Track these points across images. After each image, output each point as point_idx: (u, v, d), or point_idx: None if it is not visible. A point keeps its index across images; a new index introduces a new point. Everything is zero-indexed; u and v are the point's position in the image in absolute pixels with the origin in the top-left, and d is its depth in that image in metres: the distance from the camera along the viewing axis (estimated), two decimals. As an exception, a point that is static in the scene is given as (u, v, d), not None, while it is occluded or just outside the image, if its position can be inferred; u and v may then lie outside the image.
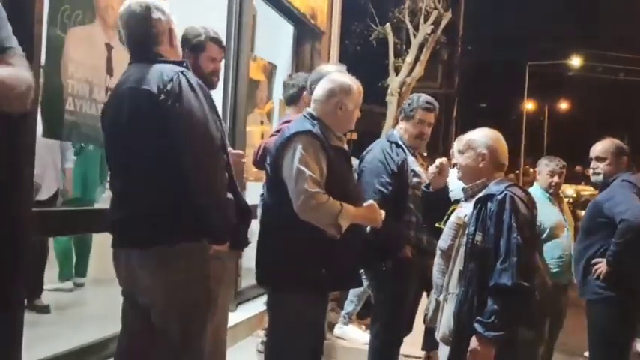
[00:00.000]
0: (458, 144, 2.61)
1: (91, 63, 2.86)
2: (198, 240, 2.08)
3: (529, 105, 30.46)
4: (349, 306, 4.27)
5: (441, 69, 22.34)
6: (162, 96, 1.97)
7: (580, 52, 26.49)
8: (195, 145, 2.02)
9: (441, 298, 2.52)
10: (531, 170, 25.12)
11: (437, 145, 17.30)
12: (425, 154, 3.43)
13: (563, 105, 34.35)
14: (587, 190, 17.62)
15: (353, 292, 4.23)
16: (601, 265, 3.23)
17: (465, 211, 2.49)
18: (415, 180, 3.17)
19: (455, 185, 2.85)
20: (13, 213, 2.17)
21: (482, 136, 2.53)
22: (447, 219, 2.60)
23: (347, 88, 2.53)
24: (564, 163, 4.03)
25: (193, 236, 2.06)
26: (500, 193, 2.33)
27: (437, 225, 2.65)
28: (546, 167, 3.98)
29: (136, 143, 2.05)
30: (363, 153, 3.36)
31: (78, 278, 4.68)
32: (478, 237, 2.32)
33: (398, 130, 3.35)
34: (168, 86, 1.98)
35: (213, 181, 2.06)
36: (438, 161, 2.84)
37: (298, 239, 2.41)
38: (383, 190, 3.06)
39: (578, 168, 16.96)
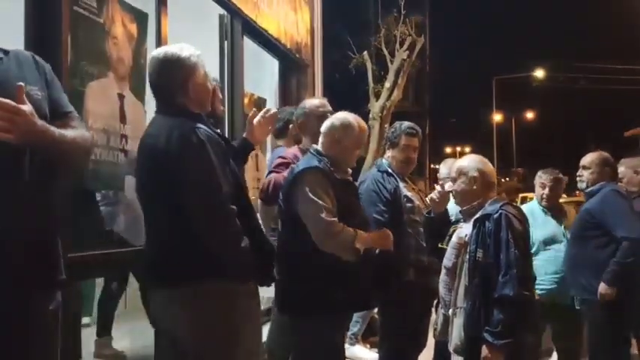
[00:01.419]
0: (445, 168, 2.88)
1: (107, 113, 3.04)
2: (220, 280, 2.13)
3: (498, 117, 31.28)
4: (354, 327, 4.46)
5: (411, 88, 22.95)
6: (171, 151, 2.09)
7: (543, 64, 27.45)
8: (199, 198, 2.11)
9: (450, 312, 2.74)
10: (503, 180, 25.68)
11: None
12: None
13: (530, 115, 35.34)
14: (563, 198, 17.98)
15: (357, 314, 4.42)
16: (606, 291, 3.33)
17: (465, 230, 2.73)
18: (409, 205, 3.35)
19: (452, 209, 3.11)
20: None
21: (470, 161, 2.81)
22: (449, 239, 2.84)
23: (347, 126, 2.78)
24: (558, 174, 4.00)
25: (215, 277, 2.12)
26: (496, 212, 2.58)
27: (440, 245, 2.89)
28: (539, 179, 4.01)
29: (154, 192, 2.19)
30: (357, 184, 3.55)
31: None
32: (479, 254, 2.56)
33: (386, 158, 3.54)
34: (177, 142, 2.10)
35: (220, 231, 2.12)
36: (438, 189, 3.08)
37: (315, 267, 2.63)
38: (379, 217, 3.20)
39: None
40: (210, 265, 2.11)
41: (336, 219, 2.63)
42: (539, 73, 27.61)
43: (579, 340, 3.73)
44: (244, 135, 2.76)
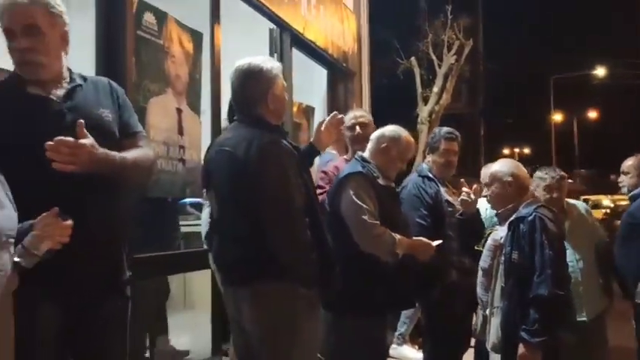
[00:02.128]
0: (484, 178, 2.97)
1: (166, 126, 3.32)
2: (286, 284, 2.24)
3: (557, 117, 30.41)
4: (402, 327, 4.59)
5: (464, 89, 22.69)
6: (249, 162, 2.24)
7: (604, 62, 26.52)
8: (273, 208, 2.23)
9: (487, 312, 2.85)
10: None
11: (466, 164, 17.54)
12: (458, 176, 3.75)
13: (592, 114, 34.12)
14: (624, 200, 17.24)
15: (405, 314, 4.54)
16: None
17: (500, 233, 2.84)
18: (450, 209, 3.41)
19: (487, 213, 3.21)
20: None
21: (503, 166, 2.90)
22: (485, 242, 2.95)
23: (395, 138, 2.96)
24: (562, 173, 3.56)
25: (281, 280, 2.24)
26: (530, 214, 2.66)
27: (476, 247, 3.00)
28: (542, 182, 3.51)
29: (231, 198, 2.35)
30: (398, 189, 3.56)
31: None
32: (515, 255, 2.65)
33: (426, 163, 3.62)
34: (256, 153, 2.22)
35: (291, 241, 2.24)
36: (465, 191, 3.19)
37: (358, 267, 2.78)
38: (422, 222, 3.28)
39: (613, 177, 16.84)
40: (278, 269, 2.22)
41: (378, 222, 2.79)
42: (600, 71, 26.70)
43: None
44: (311, 140, 2.85)
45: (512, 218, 2.72)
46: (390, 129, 3.04)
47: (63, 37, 1.94)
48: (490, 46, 22.92)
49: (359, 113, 3.73)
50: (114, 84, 2.09)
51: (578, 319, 3.22)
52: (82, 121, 1.78)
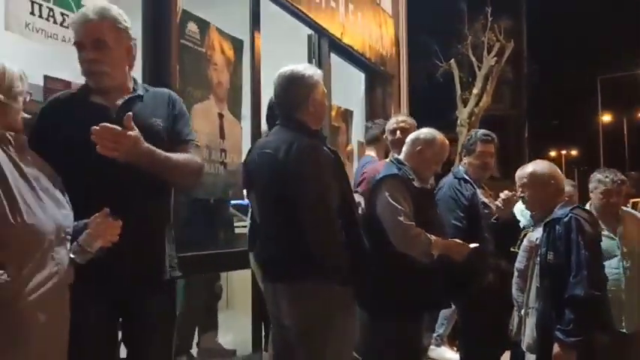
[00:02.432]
0: (519, 179, 2.93)
1: (209, 131, 3.46)
2: (322, 280, 2.32)
3: (605, 117, 29.53)
4: (440, 328, 4.60)
5: (508, 91, 22.34)
6: (289, 163, 2.35)
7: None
8: (310, 208, 2.32)
9: (523, 313, 2.86)
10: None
11: (509, 167, 17.24)
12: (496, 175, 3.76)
13: (643, 115, 32.94)
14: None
15: (442, 315, 4.55)
16: None
17: (535, 234, 2.85)
18: (486, 211, 3.43)
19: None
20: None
21: (541, 167, 2.90)
22: (520, 243, 2.96)
23: (430, 140, 3.02)
24: (623, 177, 3.37)
25: (318, 277, 2.32)
26: (566, 215, 2.66)
27: (511, 249, 3.01)
28: (601, 185, 3.34)
29: (271, 198, 2.47)
30: (435, 191, 3.57)
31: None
32: (550, 256, 2.66)
33: (462, 165, 3.64)
34: (295, 155, 2.34)
35: (327, 241, 2.32)
36: (503, 195, 3.20)
37: (394, 268, 2.84)
38: (458, 224, 3.29)
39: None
40: (314, 268, 2.31)
41: (413, 223, 2.85)
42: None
43: None
44: None
45: (548, 219, 2.73)
46: (424, 132, 3.09)
47: (128, 51, 2.10)
48: (534, 46, 22.49)
49: (401, 118, 3.81)
50: (174, 95, 2.23)
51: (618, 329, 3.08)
52: (130, 113, 1.89)
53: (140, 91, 2.13)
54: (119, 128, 1.83)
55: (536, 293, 2.74)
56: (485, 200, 3.48)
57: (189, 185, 2.11)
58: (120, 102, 2.06)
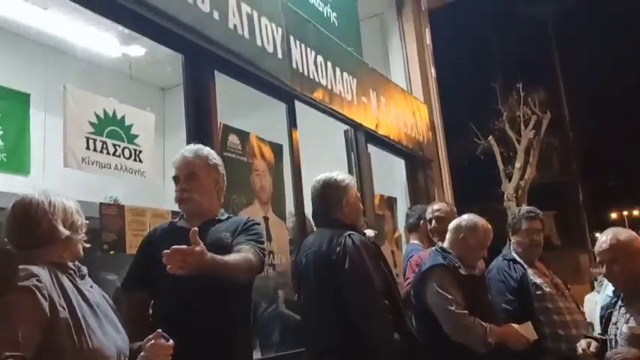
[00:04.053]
0: (601, 255, 2.58)
1: (256, 234, 3.57)
2: None
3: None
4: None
5: (555, 158, 22.02)
6: (334, 257, 2.53)
7: None
8: (356, 290, 2.47)
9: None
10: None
11: (571, 236, 16.65)
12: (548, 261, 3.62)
13: None
14: None
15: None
16: None
17: (633, 320, 2.47)
18: (538, 292, 3.27)
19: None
20: None
21: (623, 238, 2.56)
22: (605, 324, 2.63)
23: (472, 227, 3.03)
24: None
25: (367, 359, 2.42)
26: None
27: (599, 336, 2.65)
28: None
29: (318, 289, 2.58)
30: (485, 273, 3.48)
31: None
32: None
33: (511, 245, 3.53)
34: (338, 249, 2.53)
35: (375, 321, 2.45)
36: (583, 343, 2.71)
37: (451, 358, 2.79)
38: (508, 307, 3.21)
39: None
40: (365, 350, 2.42)
41: (466, 311, 2.81)
42: None
43: None
44: None
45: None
46: (466, 218, 3.11)
47: (216, 182, 2.45)
48: (577, 113, 22.31)
49: (436, 207, 3.86)
50: (250, 220, 2.45)
51: None
52: (195, 228, 2.02)
53: (222, 218, 2.40)
54: (185, 247, 1.94)
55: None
56: (537, 281, 3.35)
57: (242, 279, 2.21)
58: (199, 223, 2.25)
